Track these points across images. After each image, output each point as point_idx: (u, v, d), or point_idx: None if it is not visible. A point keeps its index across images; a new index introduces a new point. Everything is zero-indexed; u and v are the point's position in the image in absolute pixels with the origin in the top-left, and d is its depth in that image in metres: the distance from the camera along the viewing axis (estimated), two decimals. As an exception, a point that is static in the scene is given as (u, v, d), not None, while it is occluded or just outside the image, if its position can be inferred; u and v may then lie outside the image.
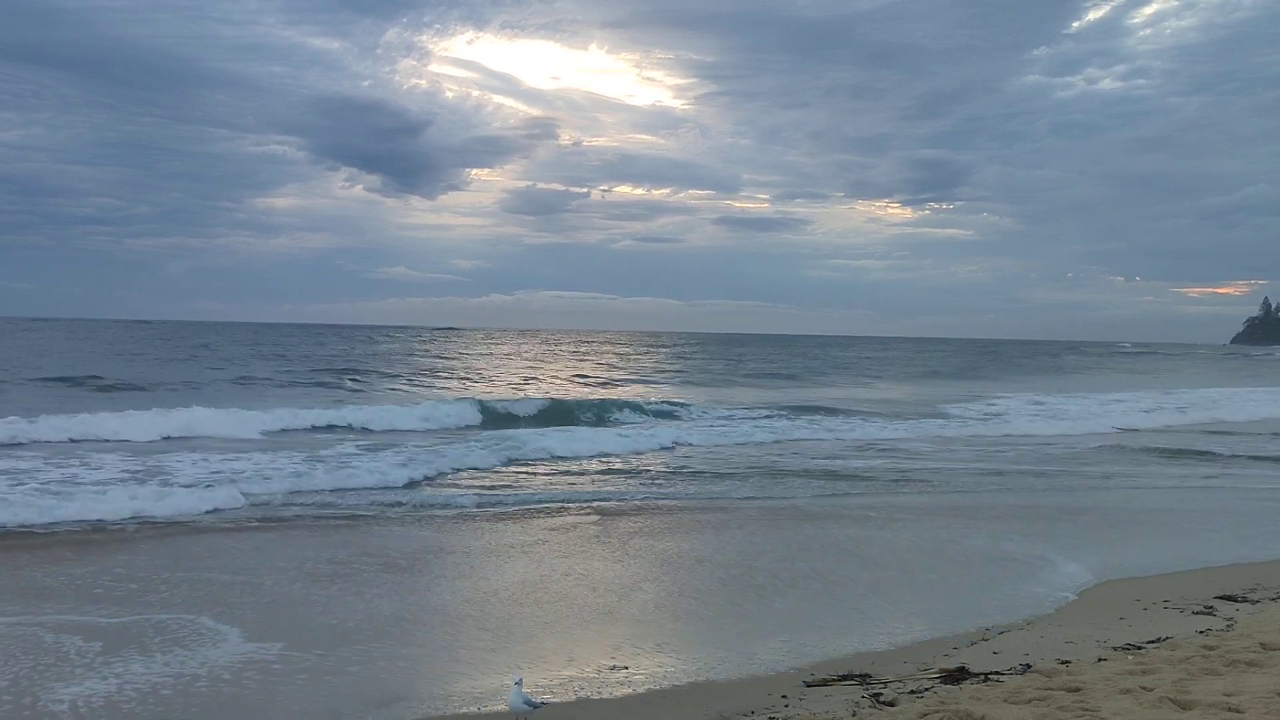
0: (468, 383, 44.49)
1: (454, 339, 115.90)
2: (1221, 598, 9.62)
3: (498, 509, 14.09)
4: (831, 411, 32.28)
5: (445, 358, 67.72)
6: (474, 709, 6.57)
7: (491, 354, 77.42)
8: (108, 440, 20.24)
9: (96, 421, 21.52)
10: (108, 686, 6.81)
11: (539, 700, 6.24)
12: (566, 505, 14.52)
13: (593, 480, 17.40)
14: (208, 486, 14.70)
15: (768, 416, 30.49)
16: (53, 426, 20.55)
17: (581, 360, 70.32)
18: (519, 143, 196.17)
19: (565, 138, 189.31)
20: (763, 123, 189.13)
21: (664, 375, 56.47)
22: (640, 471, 18.55)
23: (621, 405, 32.19)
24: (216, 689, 6.83)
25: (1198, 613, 9.05)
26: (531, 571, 10.36)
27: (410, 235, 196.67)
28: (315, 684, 6.99)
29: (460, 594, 9.50)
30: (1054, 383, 55.96)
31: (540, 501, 14.81)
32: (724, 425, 28.20)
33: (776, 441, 24.56)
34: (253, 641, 7.87)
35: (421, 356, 67.26)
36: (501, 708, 6.40)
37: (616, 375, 54.18)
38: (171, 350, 63.21)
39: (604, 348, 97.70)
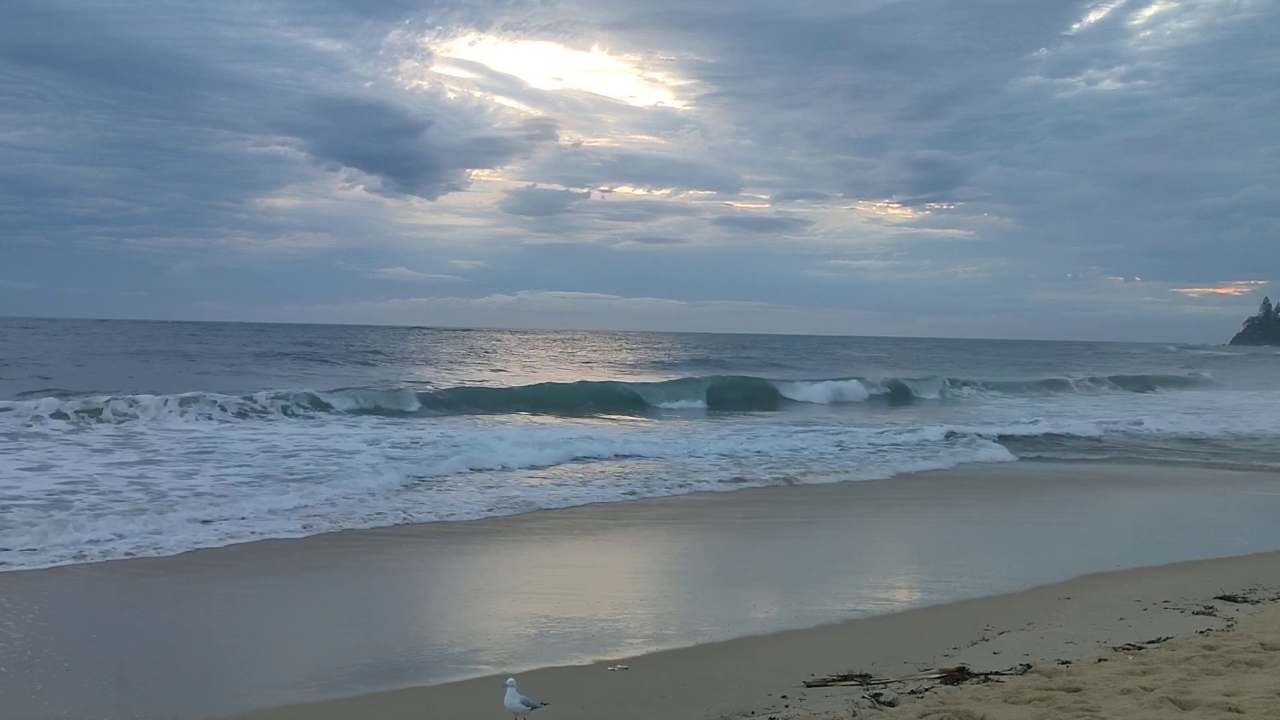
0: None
1: (549, 340, 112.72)
2: (1221, 598, 9.62)
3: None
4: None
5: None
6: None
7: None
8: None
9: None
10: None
11: (538, 701, 6.23)
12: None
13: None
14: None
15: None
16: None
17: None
18: (519, 143, 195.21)
19: (565, 138, 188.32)
20: (763, 123, 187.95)
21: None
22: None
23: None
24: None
25: (1198, 613, 9.05)
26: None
27: (411, 235, 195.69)
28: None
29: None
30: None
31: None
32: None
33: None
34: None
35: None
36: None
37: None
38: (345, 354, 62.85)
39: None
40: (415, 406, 29.18)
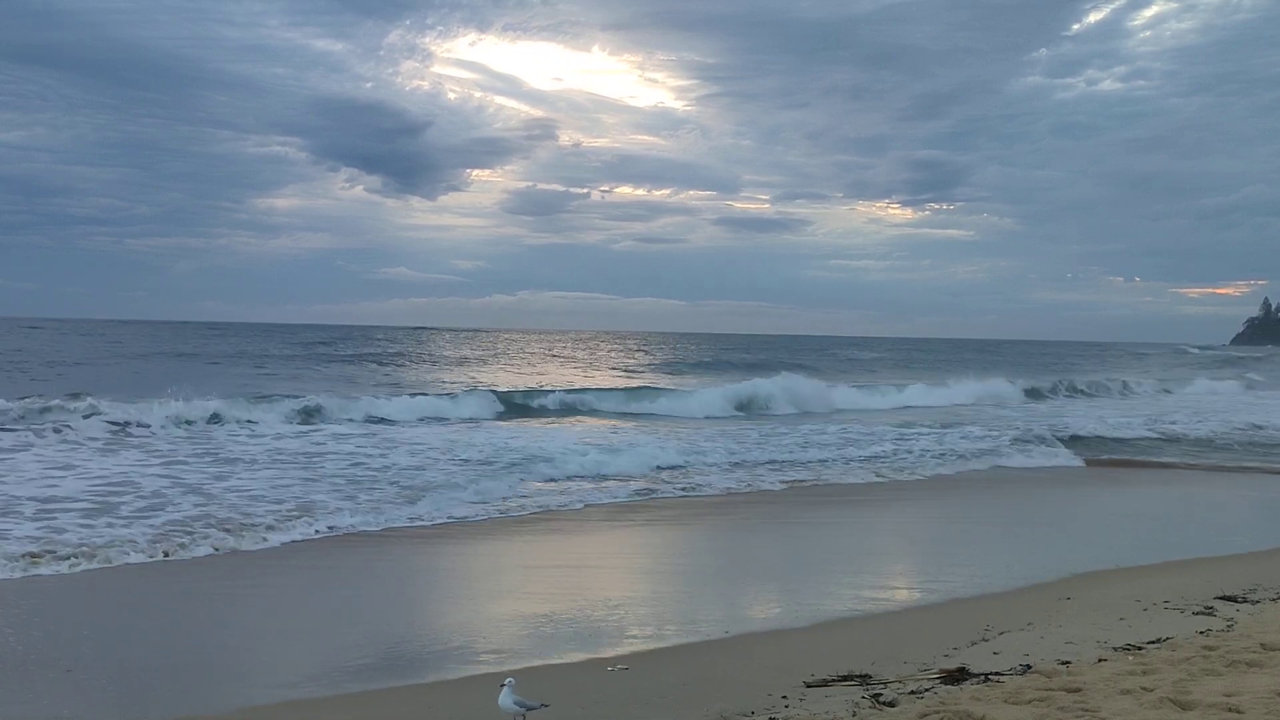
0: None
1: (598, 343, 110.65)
2: (1222, 598, 9.61)
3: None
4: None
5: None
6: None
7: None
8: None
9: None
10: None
11: (537, 702, 6.20)
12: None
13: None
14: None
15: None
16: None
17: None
18: (519, 143, 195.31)
19: (565, 138, 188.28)
20: (763, 123, 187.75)
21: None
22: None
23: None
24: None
25: (1198, 613, 9.04)
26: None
27: (411, 236, 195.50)
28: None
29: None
30: None
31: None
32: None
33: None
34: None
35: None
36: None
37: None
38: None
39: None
40: (488, 413, 28.72)
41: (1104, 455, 22.96)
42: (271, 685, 7.19)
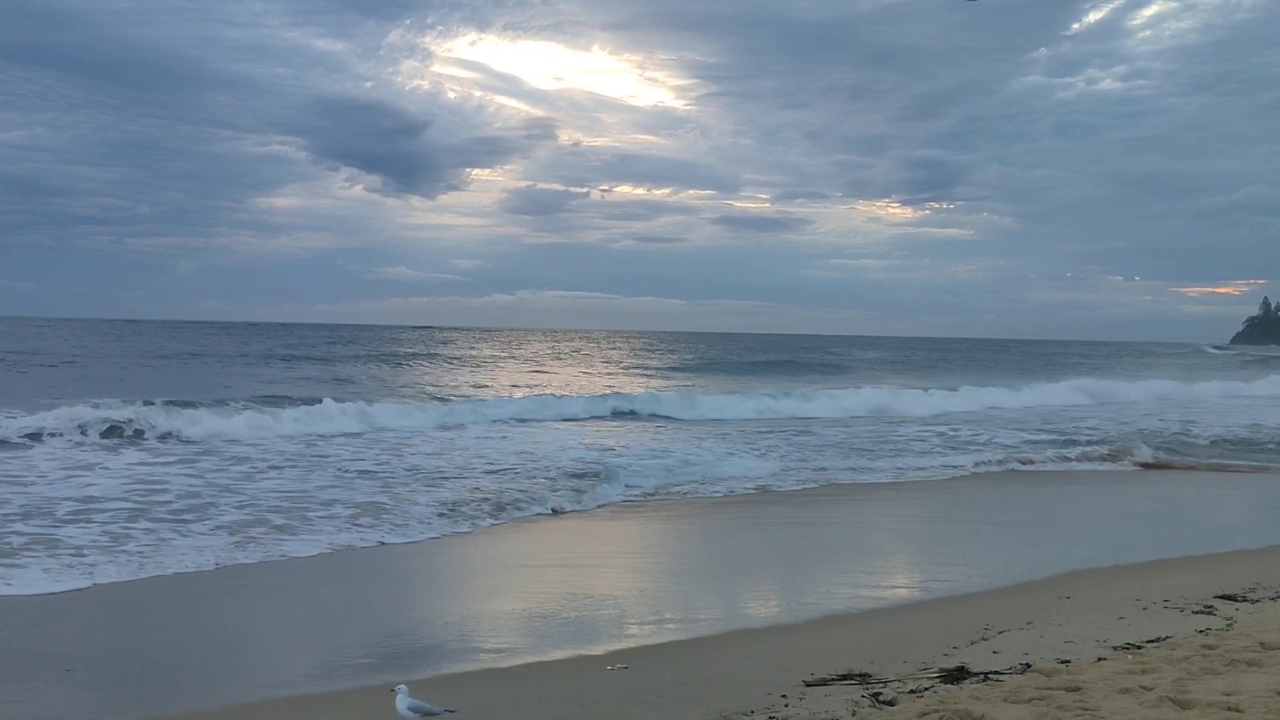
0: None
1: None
2: (1221, 597, 9.61)
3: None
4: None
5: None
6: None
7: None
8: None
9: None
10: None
11: (440, 707, 6.00)
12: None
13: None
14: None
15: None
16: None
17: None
18: (519, 143, 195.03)
19: (565, 138, 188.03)
20: (763, 123, 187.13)
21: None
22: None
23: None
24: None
25: (1197, 612, 9.04)
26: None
27: (411, 235, 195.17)
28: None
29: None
30: None
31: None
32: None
33: None
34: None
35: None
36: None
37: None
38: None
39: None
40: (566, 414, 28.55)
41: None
42: (270, 683, 7.20)
